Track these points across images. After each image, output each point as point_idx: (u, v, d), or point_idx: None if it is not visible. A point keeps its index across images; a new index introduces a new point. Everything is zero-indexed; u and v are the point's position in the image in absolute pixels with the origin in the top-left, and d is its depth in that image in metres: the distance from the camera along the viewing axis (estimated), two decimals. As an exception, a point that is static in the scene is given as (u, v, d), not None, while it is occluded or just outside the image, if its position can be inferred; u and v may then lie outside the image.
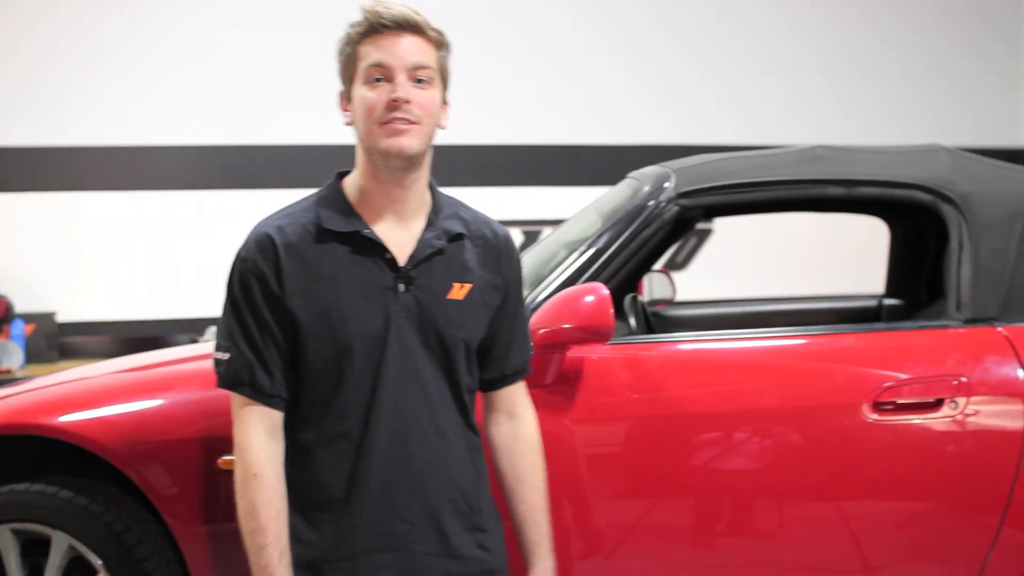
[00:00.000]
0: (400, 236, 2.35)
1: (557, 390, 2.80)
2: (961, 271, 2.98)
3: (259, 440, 2.31)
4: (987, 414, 2.81)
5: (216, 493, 2.77)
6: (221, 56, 7.02)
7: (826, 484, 2.81)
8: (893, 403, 2.79)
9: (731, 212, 3.87)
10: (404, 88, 2.26)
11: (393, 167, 2.30)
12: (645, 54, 7.73)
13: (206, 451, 2.78)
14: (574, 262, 2.97)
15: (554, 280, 2.94)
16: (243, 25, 7.06)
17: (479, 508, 2.42)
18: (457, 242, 2.40)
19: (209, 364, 2.42)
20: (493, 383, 2.51)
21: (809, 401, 2.77)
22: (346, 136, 2.39)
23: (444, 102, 2.36)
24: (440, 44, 2.34)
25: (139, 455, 2.78)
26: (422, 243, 2.35)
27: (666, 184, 3.07)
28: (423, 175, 2.37)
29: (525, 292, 2.85)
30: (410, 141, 2.26)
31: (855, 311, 4.17)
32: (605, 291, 2.70)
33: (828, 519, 2.82)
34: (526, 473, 2.52)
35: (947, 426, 2.80)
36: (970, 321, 2.93)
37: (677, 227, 3.75)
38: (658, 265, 4.53)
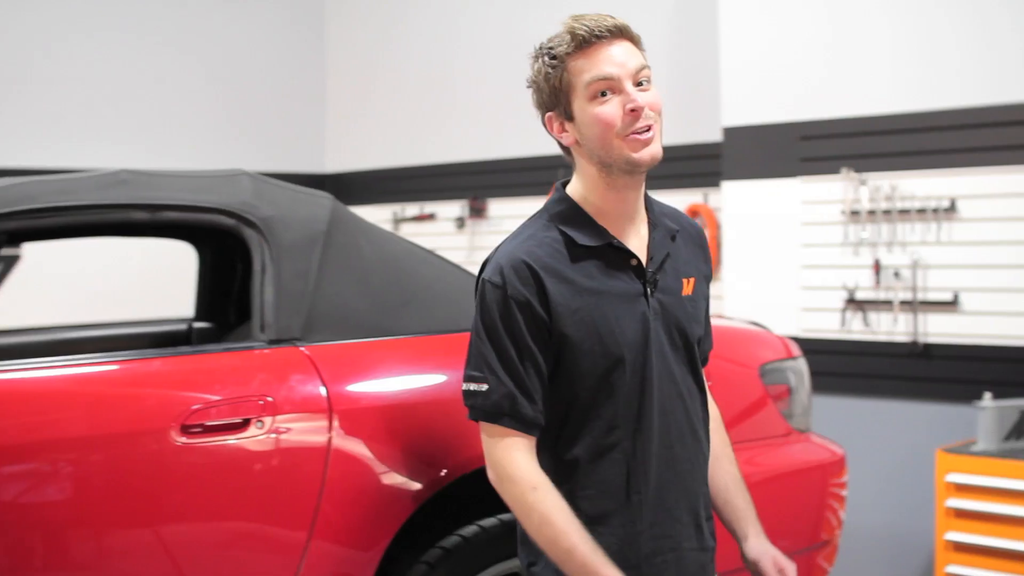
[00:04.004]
0: (635, 241, 2.43)
1: None
2: (264, 293, 3.12)
3: (524, 459, 2.34)
4: (293, 431, 2.97)
5: None
6: None
7: (142, 511, 2.85)
8: (202, 425, 2.87)
9: (34, 238, 3.79)
10: (637, 95, 2.30)
11: (636, 174, 2.37)
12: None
13: None
14: None
15: None
16: None
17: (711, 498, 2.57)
18: (676, 239, 2.50)
19: None
20: None
21: (118, 428, 2.79)
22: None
23: None
24: (641, 43, 2.39)
25: None
26: (655, 245, 2.44)
27: (-38, 209, 2.98)
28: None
29: None
30: (656, 146, 2.34)
31: (165, 335, 4.24)
32: None
33: (148, 546, 2.85)
34: (721, 449, 2.65)
35: (255, 445, 2.92)
36: (274, 342, 3.08)
37: (-22, 254, 3.63)
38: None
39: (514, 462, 2.34)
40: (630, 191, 2.41)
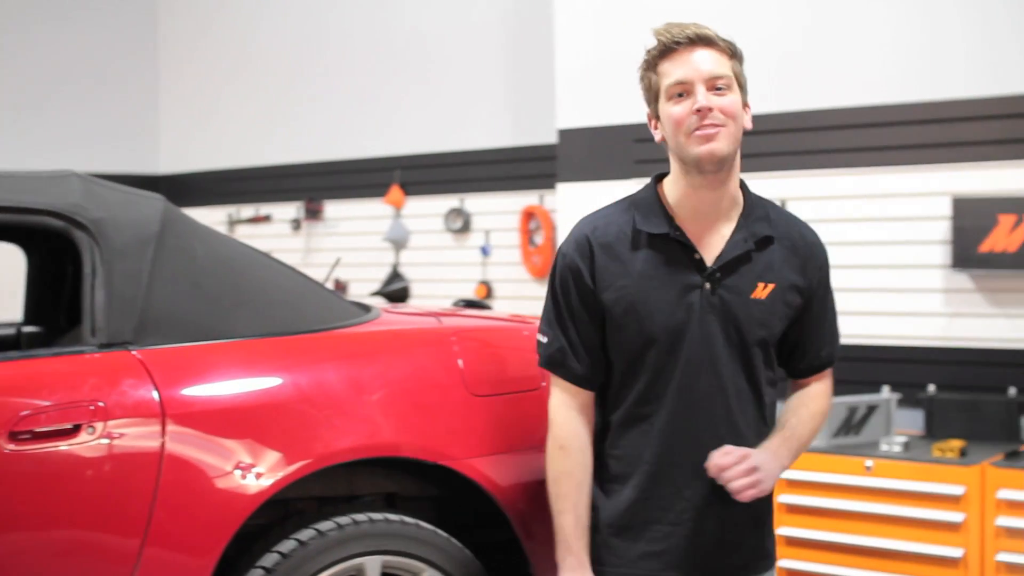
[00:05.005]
0: (710, 237, 2.63)
1: None
2: (95, 296, 3.07)
3: (567, 415, 2.69)
4: (125, 437, 2.94)
5: None
6: None
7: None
8: (31, 432, 2.83)
9: None
10: (705, 97, 2.52)
11: (706, 171, 2.56)
12: None
13: None
14: None
15: None
16: None
17: (764, 498, 2.64)
18: (771, 245, 2.65)
19: None
20: (803, 372, 2.84)
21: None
22: None
23: (745, 104, 2.62)
24: (732, 53, 2.61)
25: None
26: (730, 245, 2.63)
27: None
28: (733, 177, 2.64)
29: None
30: (719, 144, 2.53)
31: (-9, 340, 4.15)
32: None
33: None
34: (803, 403, 2.82)
35: (87, 452, 2.88)
36: (105, 346, 3.04)
37: None
38: None
39: (558, 412, 2.72)
40: (706, 190, 2.62)
